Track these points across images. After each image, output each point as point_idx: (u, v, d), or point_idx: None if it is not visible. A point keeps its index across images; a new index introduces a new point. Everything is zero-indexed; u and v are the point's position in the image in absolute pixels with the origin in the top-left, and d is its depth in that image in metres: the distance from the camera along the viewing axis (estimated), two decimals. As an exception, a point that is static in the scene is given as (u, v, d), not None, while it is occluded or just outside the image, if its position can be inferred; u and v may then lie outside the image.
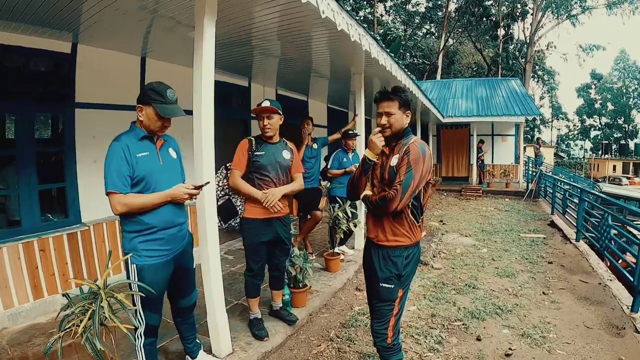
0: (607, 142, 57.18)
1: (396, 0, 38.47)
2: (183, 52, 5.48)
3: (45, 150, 5.32)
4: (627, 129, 60.73)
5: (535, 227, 9.78)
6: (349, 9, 4.24)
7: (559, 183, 11.90)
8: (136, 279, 2.52)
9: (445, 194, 16.50)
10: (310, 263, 4.56)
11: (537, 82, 50.84)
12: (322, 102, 11.89)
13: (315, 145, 6.58)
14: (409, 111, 2.76)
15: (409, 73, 7.97)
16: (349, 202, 5.84)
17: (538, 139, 18.67)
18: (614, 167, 42.82)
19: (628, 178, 34.20)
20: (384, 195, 2.58)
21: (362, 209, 6.92)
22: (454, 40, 38.98)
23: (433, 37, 40.52)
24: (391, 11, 39.88)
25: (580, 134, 67.78)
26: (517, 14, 33.89)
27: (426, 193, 2.73)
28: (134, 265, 2.54)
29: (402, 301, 2.74)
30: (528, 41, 33.52)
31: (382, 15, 38.95)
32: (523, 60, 34.60)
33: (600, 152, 48.82)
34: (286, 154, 3.83)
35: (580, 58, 36.28)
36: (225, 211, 3.77)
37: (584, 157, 62.01)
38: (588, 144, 67.41)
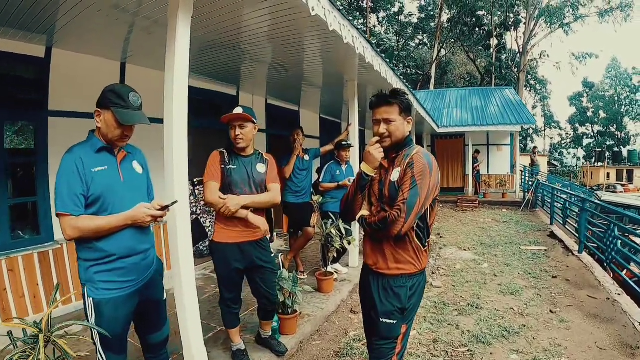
0: (600, 149, 57.19)
1: (389, 12, 38.49)
2: (164, 57, 5.13)
3: (16, 162, 4.95)
4: (619, 137, 60.84)
5: (535, 238, 9.46)
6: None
7: (557, 192, 11.58)
8: (93, 316, 2.14)
9: (441, 205, 16.16)
10: (300, 287, 4.18)
11: (530, 91, 50.99)
12: (314, 112, 11.55)
13: (306, 157, 6.26)
14: (410, 117, 2.40)
15: (405, 82, 7.67)
16: (340, 220, 5.50)
17: (534, 147, 18.44)
18: (608, 174, 42.70)
19: (622, 185, 34.10)
20: (385, 216, 2.21)
21: (357, 224, 6.58)
22: (447, 51, 38.96)
23: (426, 47, 40.55)
24: (384, 22, 39.89)
25: (573, 142, 67.97)
26: (510, 23, 33.93)
27: (433, 212, 2.37)
28: (90, 299, 2.15)
29: (406, 338, 2.36)
30: (521, 50, 33.53)
31: (374, 26, 38.95)
32: (516, 69, 34.56)
33: (593, 160, 48.74)
34: (261, 168, 3.41)
35: (573, 66, 36.29)
36: (193, 232, 3.28)
37: (576, 166, 62.08)
38: (581, 152, 67.60)
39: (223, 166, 3.27)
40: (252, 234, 3.28)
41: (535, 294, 5.62)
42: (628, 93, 58.22)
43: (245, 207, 3.19)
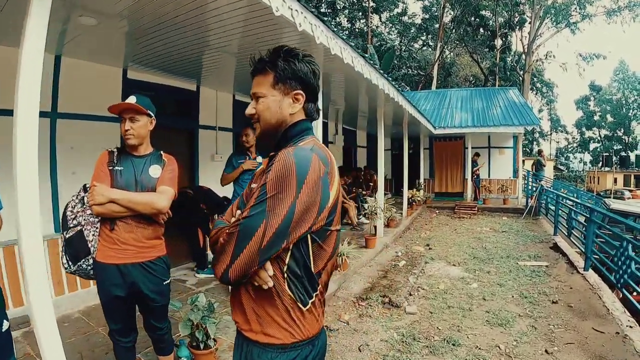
0: (607, 154, 55.93)
1: (392, 12, 37.63)
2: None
3: None
4: (627, 141, 59.50)
5: (536, 251, 8.45)
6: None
7: (562, 199, 10.55)
8: None
9: (437, 211, 15.17)
10: (214, 319, 3.26)
11: (536, 94, 49.88)
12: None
13: (259, 159, 5.35)
14: (298, 91, 1.46)
15: (384, 73, 6.74)
16: None
17: (540, 150, 17.34)
18: (615, 179, 41.34)
19: (630, 191, 32.85)
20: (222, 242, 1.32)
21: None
22: (450, 52, 38.01)
23: (430, 49, 39.60)
24: (387, 22, 39.05)
25: (580, 146, 66.71)
26: (515, 22, 32.84)
27: (323, 251, 1.41)
28: None
29: None
30: (526, 50, 32.33)
31: (377, 27, 38.12)
32: (521, 70, 33.45)
33: (600, 165, 47.52)
34: (154, 171, 2.72)
35: (580, 67, 35.02)
36: (75, 247, 2.57)
37: (583, 170, 60.87)
38: (587, 157, 66.27)
39: (110, 167, 2.61)
40: (137, 253, 2.59)
41: (529, 326, 4.63)
42: (636, 97, 56.97)
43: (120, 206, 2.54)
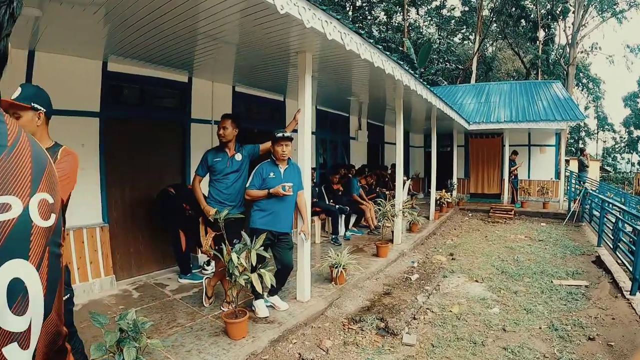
0: (656, 155, 52.80)
1: (430, 5, 36.28)
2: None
3: None
4: (678, 142, 55.81)
5: (575, 266, 7.35)
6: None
7: (607, 205, 9.28)
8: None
9: (470, 214, 14.03)
10: (137, 342, 2.56)
11: (582, 90, 47.29)
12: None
13: (237, 156, 4.68)
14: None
15: (397, 59, 5.84)
16: (260, 241, 3.87)
17: (582, 149, 15.83)
18: (667, 183, 38.49)
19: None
20: None
21: (303, 246, 4.87)
22: (491, 45, 36.35)
23: (469, 42, 38.00)
24: (425, 16, 37.76)
25: (628, 146, 62.82)
26: (558, 12, 30.83)
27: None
28: None
29: None
30: (570, 42, 30.25)
31: (415, 21, 36.89)
32: (565, 64, 31.43)
33: (649, 166, 44.88)
34: None
35: (627, 60, 32.76)
36: None
37: (631, 172, 57.64)
38: (636, 157, 62.49)
39: None
40: None
41: (556, 372, 3.66)
42: (688, 93, 53.19)
43: None
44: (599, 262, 7.58)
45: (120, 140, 5.76)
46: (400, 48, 26.96)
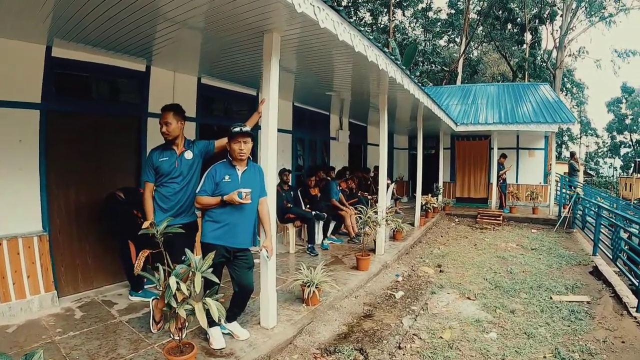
0: (639, 159, 53.00)
1: (416, 7, 35.90)
2: None
3: None
4: (660, 146, 56.34)
5: (573, 279, 6.70)
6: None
7: (604, 212, 8.66)
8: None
9: (457, 220, 13.37)
10: None
11: (566, 95, 47.40)
12: (285, 100, 8.99)
13: (188, 154, 3.95)
14: None
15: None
16: (208, 261, 3.15)
17: (573, 153, 15.29)
18: (648, 186, 38.43)
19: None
20: None
21: (267, 265, 4.10)
22: (476, 48, 36.07)
23: (455, 45, 37.73)
24: (411, 18, 37.43)
25: (610, 151, 63.42)
26: (545, 15, 30.54)
27: None
28: None
29: None
30: (558, 45, 29.94)
31: (400, 22, 36.50)
32: (552, 67, 31.13)
33: (631, 171, 44.86)
34: None
35: (615, 64, 32.60)
36: None
37: (613, 176, 58.02)
38: (618, 162, 63.02)
39: None
40: None
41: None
42: (671, 99, 53.80)
43: None
44: (597, 273, 7.00)
45: (65, 136, 5.00)
46: (386, 49, 25.82)
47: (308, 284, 4.73)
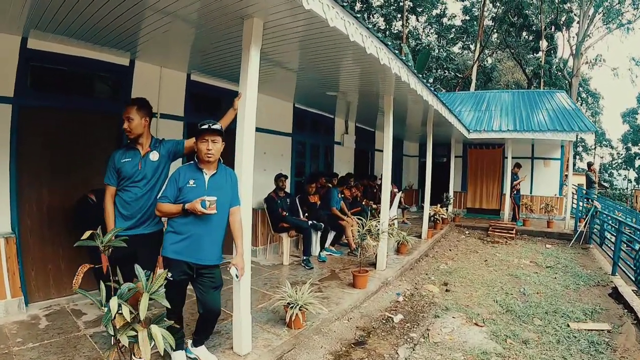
0: (654, 172, 52.05)
1: (430, 12, 35.37)
2: None
3: None
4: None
5: (592, 302, 6.09)
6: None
7: (625, 227, 8.00)
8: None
9: (467, 231, 12.73)
10: None
11: (581, 105, 46.53)
12: (284, 100, 8.46)
13: (154, 155, 3.47)
14: None
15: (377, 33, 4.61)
16: (159, 280, 2.74)
17: (590, 164, 14.56)
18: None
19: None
20: None
21: (239, 286, 3.57)
22: (490, 55, 35.42)
23: (469, 52, 37.12)
24: (425, 24, 36.93)
25: (625, 162, 62.02)
26: (562, 22, 29.73)
27: None
28: None
29: None
30: (574, 52, 29.10)
31: (414, 28, 35.99)
32: (569, 76, 30.31)
33: (645, 183, 44.09)
34: None
35: (632, 73, 31.71)
36: None
37: (627, 188, 56.74)
38: (633, 174, 61.59)
39: None
40: None
41: None
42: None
43: None
44: (617, 296, 6.40)
45: (39, 132, 4.68)
46: (396, 51, 25.36)
47: (292, 305, 4.17)
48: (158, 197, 3.25)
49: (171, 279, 3.04)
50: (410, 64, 5.41)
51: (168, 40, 4.67)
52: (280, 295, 4.38)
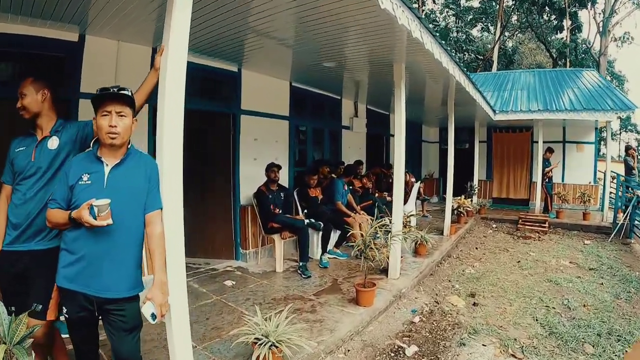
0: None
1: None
2: None
3: None
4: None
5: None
6: None
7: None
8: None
9: (494, 225, 11.48)
10: None
11: (607, 86, 44.54)
12: (281, 78, 7.34)
13: (52, 142, 2.57)
14: None
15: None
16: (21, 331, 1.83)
17: (628, 147, 13.10)
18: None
19: None
20: None
21: (174, 324, 2.47)
22: (511, 36, 33.80)
23: (489, 34, 35.58)
24: (443, 7, 35.58)
25: (651, 148, 59.65)
26: (586, -2, 27.85)
27: None
28: None
29: None
30: (601, 30, 27.22)
31: (431, 11, 34.57)
32: (596, 55, 28.45)
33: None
34: None
35: (661, 52, 29.60)
36: None
37: (650, 175, 54.57)
38: (658, 160, 59.35)
39: None
40: None
41: None
42: None
43: None
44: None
45: None
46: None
47: (261, 341, 3.04)
48: (50, 199, 2.21)
49: (66, 316, 2.13)
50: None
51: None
52: (247, 326, 3.22)
